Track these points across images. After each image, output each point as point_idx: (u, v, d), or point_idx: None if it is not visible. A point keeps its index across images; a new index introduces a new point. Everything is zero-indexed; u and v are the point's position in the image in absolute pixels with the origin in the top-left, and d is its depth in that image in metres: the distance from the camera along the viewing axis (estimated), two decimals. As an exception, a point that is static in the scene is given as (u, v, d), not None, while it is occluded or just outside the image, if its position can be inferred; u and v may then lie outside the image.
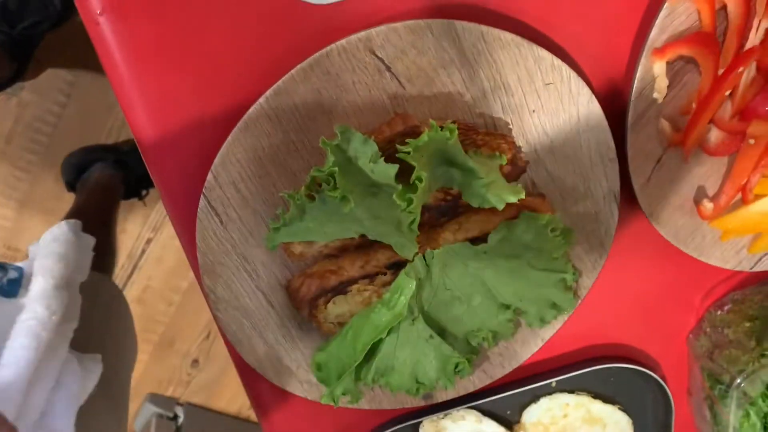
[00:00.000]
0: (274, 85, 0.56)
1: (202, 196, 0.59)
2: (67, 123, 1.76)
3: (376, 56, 0.57)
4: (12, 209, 1.80)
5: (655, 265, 0.77)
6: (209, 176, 0.58)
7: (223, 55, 0.57)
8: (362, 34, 0.56)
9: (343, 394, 0.64)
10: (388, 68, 0.58)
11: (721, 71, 0.64)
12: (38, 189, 1.81)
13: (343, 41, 0.56)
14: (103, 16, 0.53)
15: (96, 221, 1.58)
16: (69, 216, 1.59)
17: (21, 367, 0.78)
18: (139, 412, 2.10)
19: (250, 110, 0.57)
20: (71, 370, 0.87)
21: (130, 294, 1.95)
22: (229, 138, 0.57)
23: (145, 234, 1.92)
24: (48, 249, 0.89)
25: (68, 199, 1.74)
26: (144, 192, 1.82)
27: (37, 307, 0.82)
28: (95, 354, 0.93)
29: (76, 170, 1.74)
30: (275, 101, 0.57)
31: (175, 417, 2.12)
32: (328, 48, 0.56)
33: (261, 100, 0.57)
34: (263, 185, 0.61)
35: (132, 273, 1.97)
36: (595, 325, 0.80)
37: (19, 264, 0.89)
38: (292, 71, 0.56)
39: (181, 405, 2.14)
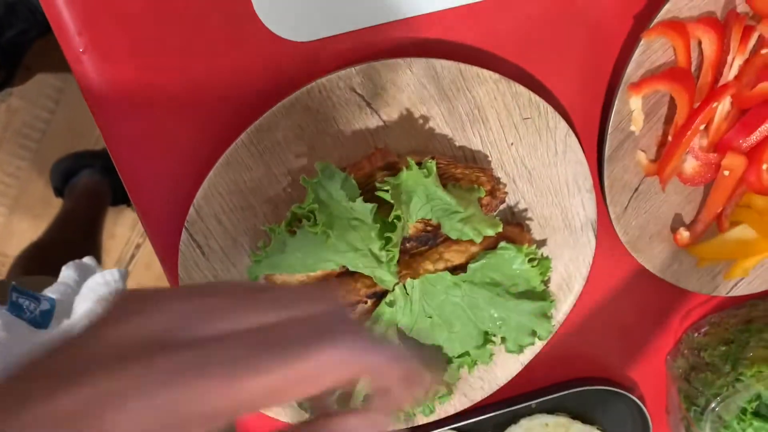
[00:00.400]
0: (256, 122, 0.57)
1: (184, 229, 0.59)
2: (55, 129, 1.75)
3: (357, 93, 0.58)
4: (0, 215, 1.80)
5: (633, 290, 0.79)
6: (191, 210, 0.59)
7: (205, 92, 0.58)
8: (342, 72, 0.57)
9: (324, 421, 0.65)
10: (369, 104, 0.59)
11: (696, 105, 0.65)
12: (27, 195, 1.80)
13: (323, 79, 0.57)
14: (85, 54, 0.54)
15: (83, 227, 1.58)
16: (56, 221, 1.59)
17: None
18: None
19: (232, 146, 0.58)
20: None
21: (119, 299, 1.95)
22: (211, 173, 0.58)
23: (134, 239, 1.92)
24: (98, 294, 0.90)
25: (57, 205, 1.75)
26: (133, 198, 1.82)
27: None
28: None
29: (65, 176, 1.73)
30: (257, 137, 0.58)
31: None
32: (309, 86, 0.57)
33: (243, 135, 0.58)
34: (245, 217, 0.61)
35: (121, 278, 1.96)
36: (575, 347, 0.81)
37: (50, 294, 0.89)
38: (274, 108, 0.57)
39: (169, 409, 2.13)
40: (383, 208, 0.58)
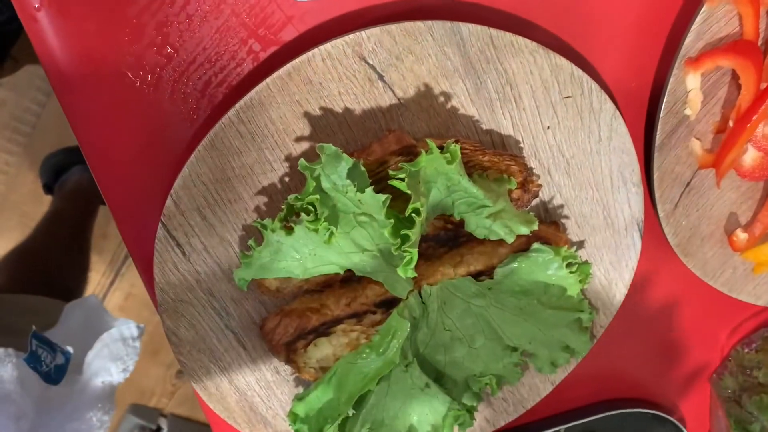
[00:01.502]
0: (246, 96, 0.48)
1: (160, 224, 0.50)
2: (46, 122, 1.68)
3: (367, 63, 0.49)
4: (-13, 212, 1.73)
5: (677, 299, 0.70)
6: (168, 201, 0.50)
7: (184, 58, 0.49)
8: (350, 36, 0.48)
9: (325, 450, 0.55)
10: (381, 77, 0.50)
11: (764, 85, 0.56)
12: (15, 191, 1.73)
13: (328, 45, 0.48)
14: (41, 10, 0.45)
15: (72, 228, 1.50)
16: (44, 221, 1.51)
17: None
18: (121, 423, 2.02)
19: (218, 125, 0.49)
20: None
21: (112, 302, 1.87)
22: (193, 157, 0.49)
23: (128, 239, 1.83)
24: (112, 351, 0.84)
25: (47, 202, 1.67)
26: (126, 197, 1.74)
27: (102, 417, 0.80)
28: None
29: (55, 172, 1.67)
30: (247, 115, 0.49)
31: (159, 429, 2.05)
32: (311, 53, 0.48)
33: (230, 113, 0.49)
34: (234, 211, 0.52)
35: (114, 279, 1.89)
36: (609, 364, 0.72)
37: (58, 340, 0.82)
38: (267, 80, 0.48)
39: (164, 416, 2.06)
40: (396, 201, 0.49)
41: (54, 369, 0.80)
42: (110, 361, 0.85)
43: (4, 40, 1.54)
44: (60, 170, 1.66)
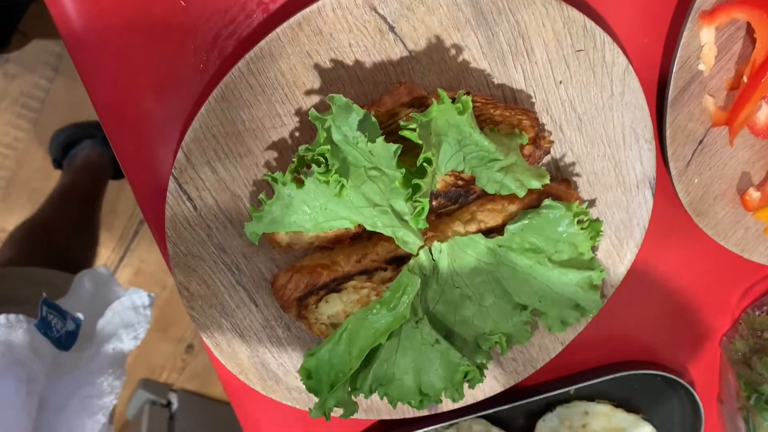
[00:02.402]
0: (256, 47, 0.48)
1: (171, 177, 0.50)
2: (55, 98, 1.67)
3: (378, 13, 0.49)
4: (-2, 188, 1.73)
5: (688, 259, 0.69)
6: (179, 154, 0.50)
7: (194, 9, 0.48)
8: (361, -14, 0.47)
9: (336, 405, 0.55)
10: (392, 28, 0.49)
11: (779, 39, 0.55)
12: (25, 168, 1.73)
13: (338, -6, 0.47)
14: (50, -40, 0.45)
15: (82, 203, 1.50)
16: (54, 196, 1.51)
17: None
18: (132, 398, 2.04)
19: (228, 76, 0.49)
20: None
21: (122, 277, 1.88)
22: (203, 109, 0.49)
23: (138, 214, 1.84)
24: (123, 318, 0.84)
25: (57, 178, 1.67)
26: (135, 171, 1.74)
27: (113, 382, 0.80)
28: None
29: (64, 147, 1.66)
30: (257, 66, 0.48)
31: (169, 404, 2.06)
32: (321, 2, 0.48)
33: (240, 63, 0.48)
34: (244, 165, 0.52)
35: (124, 255, 1.89)
36: (620, 325, 0.72)
37: (68, 308, 0.82)
38: (277, 30, 0.48)
39: (175, 391, 2.07)
40: (407, 156, 0.49)
41: (65, 335, 0.81)
42: (121, 328, 0.86)
43: (11, 14, 1.53)
44: (69, 145, 1.66)
